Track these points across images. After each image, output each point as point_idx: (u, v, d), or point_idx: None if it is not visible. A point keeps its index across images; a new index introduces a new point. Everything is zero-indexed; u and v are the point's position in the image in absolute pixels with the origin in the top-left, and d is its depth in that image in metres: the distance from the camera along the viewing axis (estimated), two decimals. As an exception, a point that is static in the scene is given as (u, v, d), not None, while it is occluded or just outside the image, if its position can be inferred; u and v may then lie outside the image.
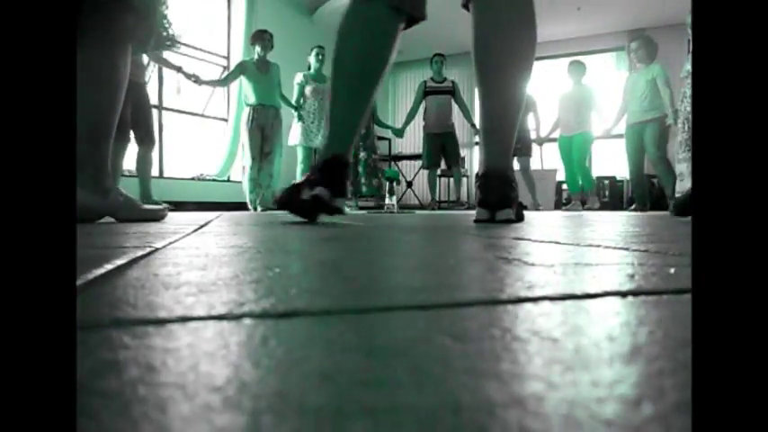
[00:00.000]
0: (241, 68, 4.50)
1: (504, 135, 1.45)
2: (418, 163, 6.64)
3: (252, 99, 4.47)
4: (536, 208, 5.26)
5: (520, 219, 1.51)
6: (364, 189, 5.18)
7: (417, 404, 0.14)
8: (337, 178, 1.39)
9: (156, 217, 1.61)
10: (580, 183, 5.17)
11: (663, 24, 6.76)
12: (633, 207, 4.78)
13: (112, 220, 1.53)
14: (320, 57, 4.91)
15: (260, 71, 4.49)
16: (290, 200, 1.43)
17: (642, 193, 4.70)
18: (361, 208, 5.23)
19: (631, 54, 4.58)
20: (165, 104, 5.31)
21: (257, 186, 4.49)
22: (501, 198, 1.40)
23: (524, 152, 5.25)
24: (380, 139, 6.44)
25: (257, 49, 4.51)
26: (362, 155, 5.12)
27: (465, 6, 1.47)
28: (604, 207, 6.57)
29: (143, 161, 3.69)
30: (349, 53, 1.40)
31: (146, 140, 3.65)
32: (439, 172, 5.74)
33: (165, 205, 2.18)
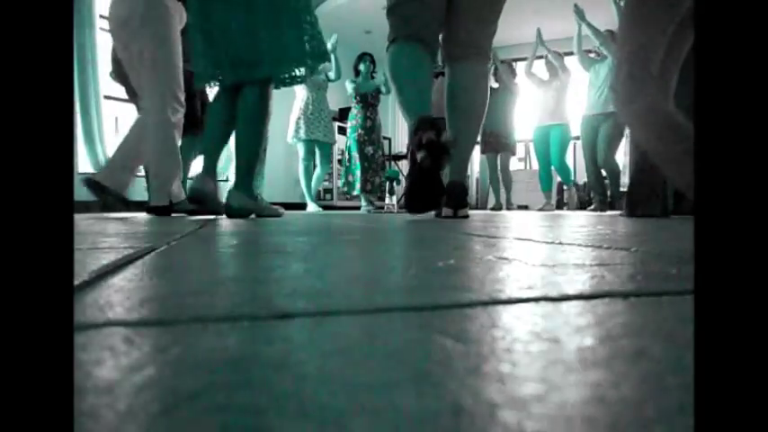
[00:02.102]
0: None
1: (466, 157, 2.09)
2: (418, 163, 6.59)
3: None
4: (508, 207, 5.19)
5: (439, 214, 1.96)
6: (369, 187, 5.01)
7: (418, 405, 0.14)
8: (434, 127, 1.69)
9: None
10: (556, 181, 4.96)
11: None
12: (592, 207, 4.45)
13: (111, 216, 1.60)
14: None
15: None
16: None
17: (603, 191, 4.38)
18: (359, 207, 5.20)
19: (601, 46, 4.15)
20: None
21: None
22: (435, 200, 1.84)
23: (508, 149, 5.07)
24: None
25: None
26: (369, 149, 4.95)
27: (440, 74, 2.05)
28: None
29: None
30: (402, 73, 1.94)
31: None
32: None
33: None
